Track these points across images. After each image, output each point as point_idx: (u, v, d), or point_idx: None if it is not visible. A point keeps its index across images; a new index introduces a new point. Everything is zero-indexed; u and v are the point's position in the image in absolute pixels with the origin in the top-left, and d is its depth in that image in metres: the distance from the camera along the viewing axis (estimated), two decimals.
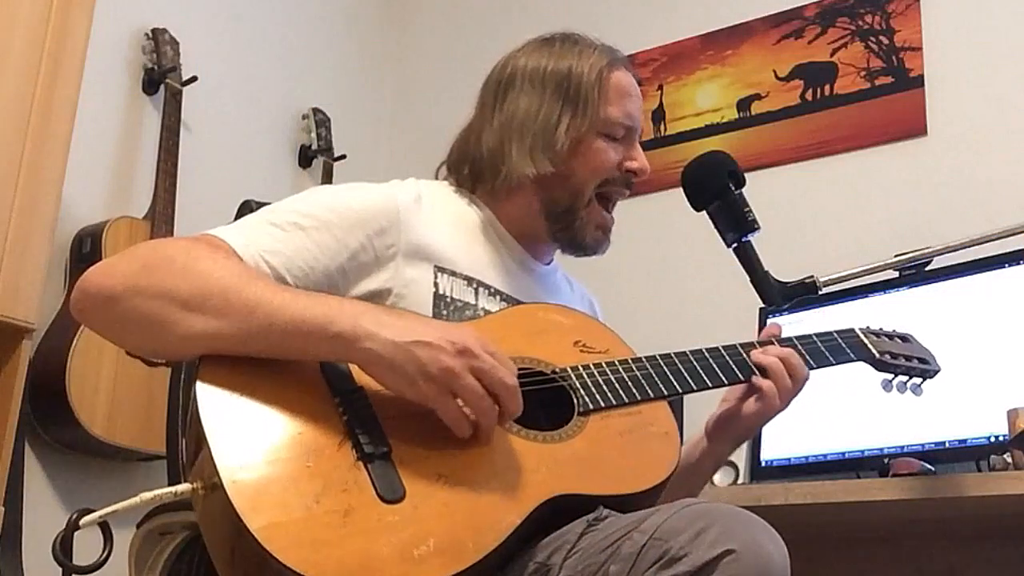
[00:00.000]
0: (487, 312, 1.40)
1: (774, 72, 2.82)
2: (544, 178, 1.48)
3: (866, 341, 1.54)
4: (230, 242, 1.27)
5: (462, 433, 1.17)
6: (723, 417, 1.47)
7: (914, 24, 2.66)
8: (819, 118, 2.73)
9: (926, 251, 1.78)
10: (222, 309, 1.16)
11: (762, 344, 1.46)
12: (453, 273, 1.40)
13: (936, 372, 1.61)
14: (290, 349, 1.17)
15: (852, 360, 1.53)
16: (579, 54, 1.52)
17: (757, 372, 1.42)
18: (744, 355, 1.43)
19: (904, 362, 1.56)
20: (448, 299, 1.37)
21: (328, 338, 1.16)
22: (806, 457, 2.11)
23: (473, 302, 1.40)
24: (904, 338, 1.62)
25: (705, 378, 1.38)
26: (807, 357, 1.47)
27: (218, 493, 1.07)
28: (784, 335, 1.50)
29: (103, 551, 1.17)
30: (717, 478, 2.14)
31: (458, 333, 1.17)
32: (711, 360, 1.40)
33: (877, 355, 1.53)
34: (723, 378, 1.40)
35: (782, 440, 2.14)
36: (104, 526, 1.16)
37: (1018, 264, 2.00)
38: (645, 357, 1.38)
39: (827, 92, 2.73)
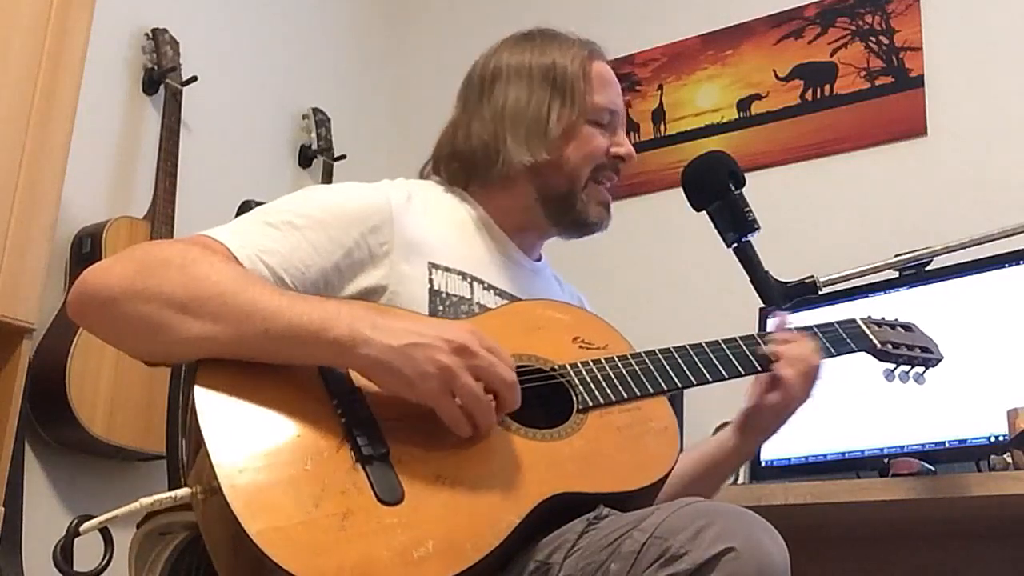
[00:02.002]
0: (483, 306, 1.40)
1: (774, 72, 2.82)
2: (539, 166, 1.50)
3: (867, 331, 1.54)
4: (226, 243, 1.27)
5: (462, 433, 1.17)
6: (748, 412, 1.48)
7: (914, 24, 2.66)
8: (819, 118, 2.73)
9: (926, 251, 1.78)
10: (218, 313, 1.16)
11: (763, 338, 1.45)
12: (447, 269, 1.40)
13: (939, 360, 1.60)
14: (286, 354, 1.17)
15: (853, 351, 1.52)
16: (560, 47, 1.56)
17: (758, 366, 1.42)
18: (744, 348, 1.43)
19: (906, 351, 1.56)
20: (444, 295, 1.37)
21: (324, 344, 1.16)
22: (806, 457, 2.11)
23: (468, 296, 1.40)
24: (907, 327, 1.61)
25: (705, 372, 1.38)
26: None
27: (217, 497, 1.07)
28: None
29: (104, 557, 1.17)
30: None
31: (454, 331, 1.17)
32: (711, 354, 1.40)
33: (879, 345, 1.53)
34: (723, 372, 1.40)
35: (782, 440, 2.13)
36: (104, 532, 1.15)
37: (1018, 264, 2.00)
38: (644, 352, 1.37)
39: (827, 92, 2.73)
